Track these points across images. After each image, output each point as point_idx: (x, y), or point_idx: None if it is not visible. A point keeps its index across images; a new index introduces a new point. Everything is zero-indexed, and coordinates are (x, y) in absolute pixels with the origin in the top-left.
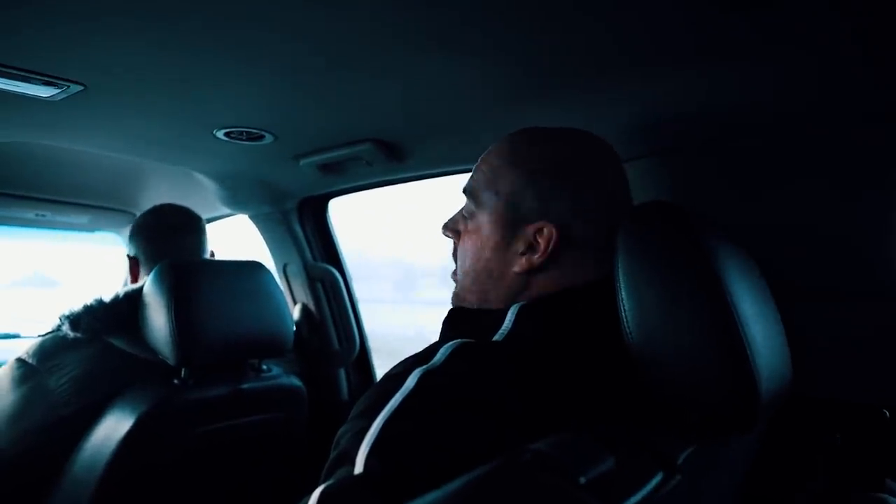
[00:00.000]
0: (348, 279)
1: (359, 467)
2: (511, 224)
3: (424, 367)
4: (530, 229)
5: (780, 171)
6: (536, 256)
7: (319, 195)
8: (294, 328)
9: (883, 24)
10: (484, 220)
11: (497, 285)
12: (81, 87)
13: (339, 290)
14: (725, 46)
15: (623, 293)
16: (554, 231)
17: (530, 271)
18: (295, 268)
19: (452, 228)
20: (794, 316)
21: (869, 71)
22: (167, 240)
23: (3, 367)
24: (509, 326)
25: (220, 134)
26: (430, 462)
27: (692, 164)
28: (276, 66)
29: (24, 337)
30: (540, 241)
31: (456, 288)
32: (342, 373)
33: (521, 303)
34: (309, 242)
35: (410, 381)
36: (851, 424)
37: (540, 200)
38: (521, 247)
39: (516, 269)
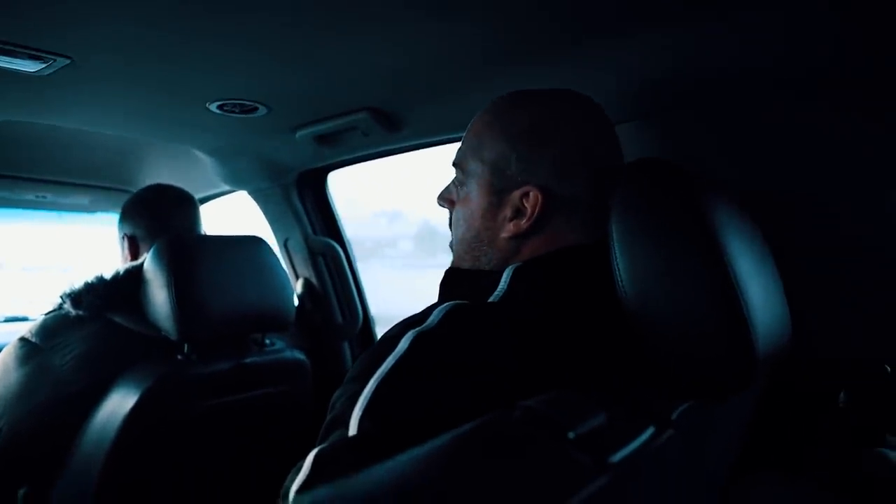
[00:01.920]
0: (349, 252)
1: (352, 429)
2: (497, 190)
3: (418, 328)
4: (516, 194)
5: (770, 131)
6: (524, 221)
7: (318, 168)
8: (297, 302)
9: None
10: (472, 188)
11: (488, 251)
12: (68, 61)
13: (340, 263)
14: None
15: (617, 250)
16: (539, 195)
17: (519, 235)
18: (296, 242)
19: (446, 198)
20: (796, 275)
21: (853, 27)
22: (166, 216)
23: (7, 347)
24: (504, 287)
25: (213, 107)
26: (423, 422)
27: (684, 124)
28: (267, 36)
29: (32, 319)
30: (526, 205)
31: (453, 256)
32: (346, 345)
33: (516, 264)
34: (309, 216)
35: (403, 344)
36: (854, 382)
37: (523, 165)
38: (508, 212)
39: (505, 234)
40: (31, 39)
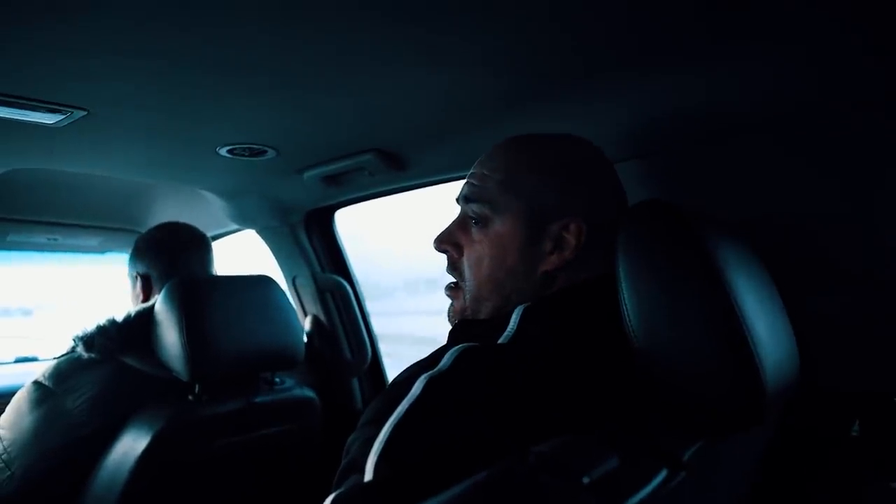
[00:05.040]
0: (357, 289)
1: (368, 474)
2: (534, 223)
3: (430, 372)
4: (555, 227)
5: (775, 167)
6: (568, 252)
7: (325, 207)
8: (306, 340)
9: (879, 13)
10: (502, 223)
11: (520, 287)
12: (84, 112)
13: (348, 300)
14: (715, 45)
15: (625, 293)
16: (584, 226)
17: (559, 268)
18: (304, 280)
19: (451, 242)
20: (803, 308)
21: (861, 60)
22: (180, 256)
23: (21, 390)
24: (514, 328)
25: (223, 151)
26: (438, 467)
27: (686, 163)
28: (275, 83)
29: (42, 360)
30: (568, 236)
31: (465, 300)
32: (355, 382)
33: (525, 304)
34: (317, 254)
35: (417, 388)
36: (865, 414)
37: (561, 198)
38: (548, 245)
39: (546, 267)
40: (51, 94)
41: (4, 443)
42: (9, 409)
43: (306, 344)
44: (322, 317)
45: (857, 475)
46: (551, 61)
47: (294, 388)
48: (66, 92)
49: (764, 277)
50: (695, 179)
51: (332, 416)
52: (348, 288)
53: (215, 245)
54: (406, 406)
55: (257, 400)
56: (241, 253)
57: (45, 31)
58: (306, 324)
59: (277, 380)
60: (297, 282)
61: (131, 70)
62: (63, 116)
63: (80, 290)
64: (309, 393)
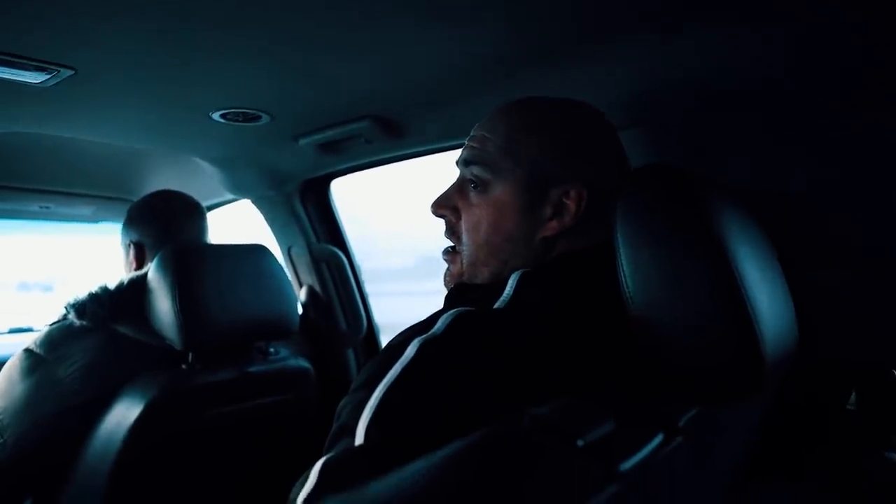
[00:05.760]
0: (353, 259)
1: (359, 438)
2: (535, 188)
3: (424, 336)
4: (556, 192)
5: (776, 138)
6: (568, 218)
7: (321, 176)
8: (301, 310)
9: None
10: (502, 187)
11: (519, 252)
12: (72, 72)
13: (344, 270)
14: (716, 11)
15: (623, 258)
16: (584, 192)
17: (558, 234)
18: (299, 250)
19: (449, 206)
20: (802, 281)
21: (859, 31)
22: (174, 224)
23: (12, 358)
24: (510, 293)
25: (217, 116)
26: (430, 430)
27: (688, 131)
28: (269, 46)
29: (37, 330)
30: (568, 202)
31: (462, 265)
32: (350, 353)
33: (522, 270)
34: (312, 224)
35: (410, 351)
36: (861, 385)
37: (563, 163)
38: (548, 211)
39: (545, 233)
40: (36, 51)
41: None
42: (0, 377)
43: (301, 315)
44: (317, 287)
45: (853, 446)
46: (551, 26)
47: (289, 358)
48: (52, 49)
49: (766, 246)
50: (696, 148)
51: (327, 387)
52: (344, 258)
53: (211, 215)
54: (398, 370)
55: (251, 370)
56: (237, 223)
57: None
58: (301, 294)
59: (272, 350)
60: (293, 252)
61: (121, 28)
62: (49, 76)
63: (100, 263)
64: (304, 363)
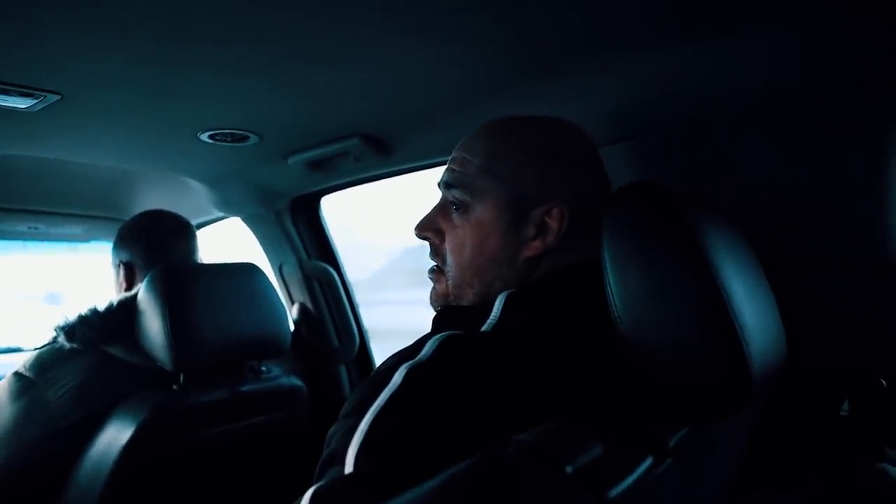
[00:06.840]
0: (344, 276)
1: (349, 466)
2: (516, 209)
3: (411, 362)
4: (538, 212)
5: (761, 151)
6: (551, 237)
7: (311, 193)
8: (292, 328)
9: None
10: (483, 208)
11: (503, 273)
12: (58, 97)
13: (335, 287)
14: (701, 28)
15: (610, 277)
16: (566, 211)
17: (541, 255)
18: (290, 267)
19: (432, 228)
20: (790, 292)
21: (849, 40)
22: (164, 244)
23: (1, 381)
24: (497, 315)
25: (205, 137)
26: (418, 458)
27: (672, 146)
28: (255, 66)
29: (26, 350)
30: (550, 222)
31: (447, 285)
32: (343, 369)
33: (508, 291)
34: (303, 241)
35: (397, 377)
36: (851, 394)
37: (543, 183)
38: (531, 231)
39: (529, 253)
40: (22, 77)
41: None
42: None
43: (293, 332)
44: (309, 304)
45: (845, 455)
46: (539, 45)
47: (281, 376)
48: (37, 75)
49: (751, 261)
50: (680, 163)
51: (320, 405)
52: (335, 275)
53: (201, 233)
54: (385, 397)
55: (243, 389)
56: (228, 241)
57: (13, 12)
58: (293, 312)
59: (264, 368)
60: (284, 269)
61: (106, 52)
62: (35, 101)
63: (65, 279)
64: (296, 381)
